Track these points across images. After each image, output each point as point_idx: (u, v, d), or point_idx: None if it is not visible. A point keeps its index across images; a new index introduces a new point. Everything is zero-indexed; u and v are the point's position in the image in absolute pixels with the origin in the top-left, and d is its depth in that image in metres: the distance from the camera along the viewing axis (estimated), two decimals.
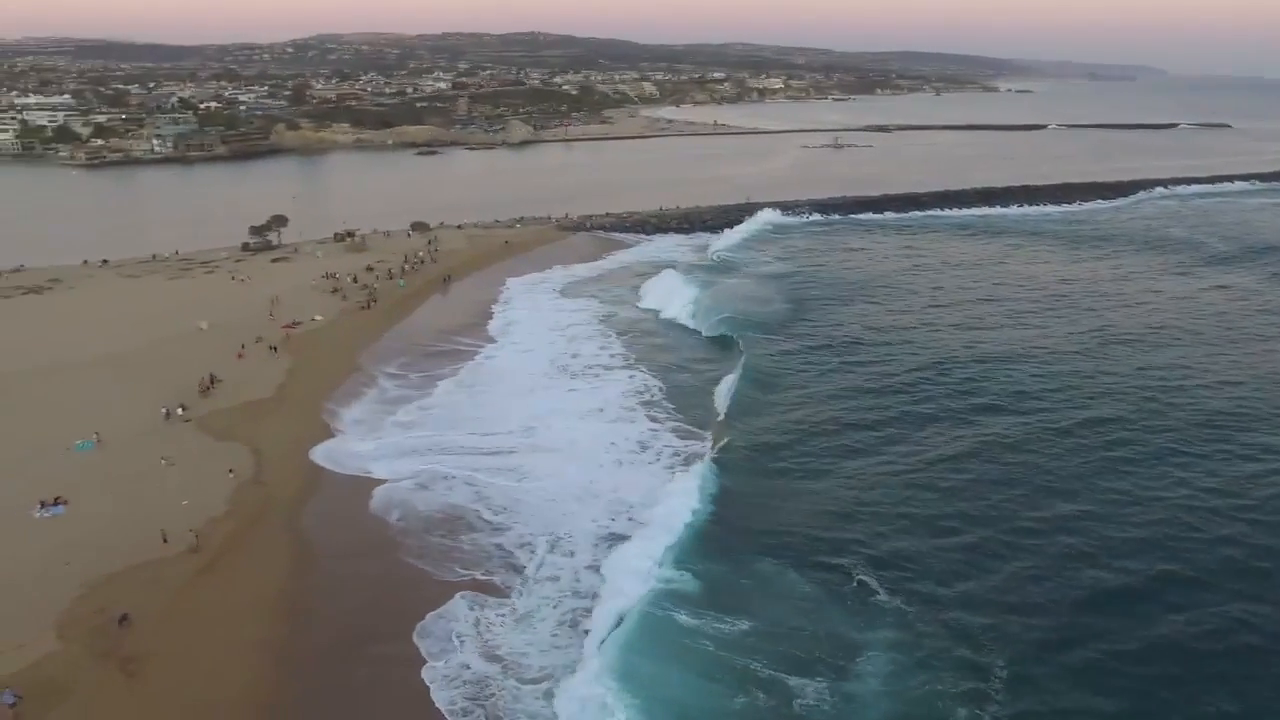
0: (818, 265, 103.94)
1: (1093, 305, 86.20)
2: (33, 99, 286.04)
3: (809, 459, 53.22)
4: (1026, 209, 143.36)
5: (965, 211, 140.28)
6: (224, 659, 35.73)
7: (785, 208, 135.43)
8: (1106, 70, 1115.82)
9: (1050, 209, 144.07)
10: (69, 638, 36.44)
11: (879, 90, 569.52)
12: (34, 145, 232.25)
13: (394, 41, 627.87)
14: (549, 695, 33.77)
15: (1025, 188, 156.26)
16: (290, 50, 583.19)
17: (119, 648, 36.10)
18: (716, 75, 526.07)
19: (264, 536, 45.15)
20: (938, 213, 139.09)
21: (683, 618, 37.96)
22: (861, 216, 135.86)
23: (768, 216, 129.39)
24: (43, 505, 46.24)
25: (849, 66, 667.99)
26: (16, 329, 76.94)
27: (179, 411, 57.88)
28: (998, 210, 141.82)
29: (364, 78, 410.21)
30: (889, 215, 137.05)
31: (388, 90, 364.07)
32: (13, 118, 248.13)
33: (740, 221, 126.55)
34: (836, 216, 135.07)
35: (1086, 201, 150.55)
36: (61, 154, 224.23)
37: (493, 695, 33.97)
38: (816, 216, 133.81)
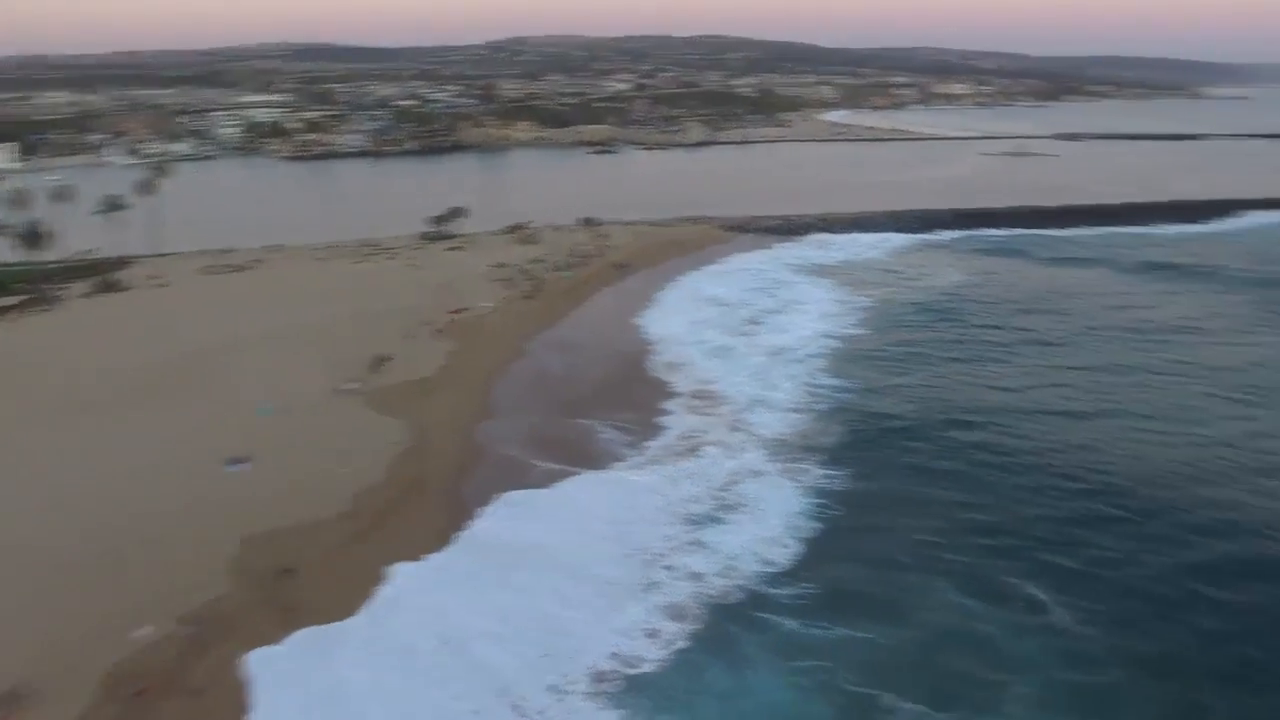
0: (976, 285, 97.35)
1: None
2: (256, 98, 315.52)
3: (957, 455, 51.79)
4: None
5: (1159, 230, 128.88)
6: None
7: (940, 218, 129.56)
8: None
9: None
10: (240, 581, 40.16)
11: (1070, 97, 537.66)
12: (253, 139, 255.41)
13: (581, 44, 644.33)
14: None
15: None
16: (484, 52, 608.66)
17: (279, 596, 39.41)
18: (899, 80, 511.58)
19: (419, 506, 47.85)
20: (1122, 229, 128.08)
21: (793, 626, 37.58)
22: (1032, 232, 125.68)
23: (913, 229, 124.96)
24: (230, 461, 50.86)
25: (1042, 72, 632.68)
26: (220, 304, 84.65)
27: (350, 385, 62.17)
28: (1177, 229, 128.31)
29: (549, 79, 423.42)
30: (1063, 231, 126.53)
31: (570, 91, 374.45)
32: (240, 116, 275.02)
33: (911, 229, 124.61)
34: (997, 231, 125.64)
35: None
36: (272, 147, 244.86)
37: None
38: (971, 232, 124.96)
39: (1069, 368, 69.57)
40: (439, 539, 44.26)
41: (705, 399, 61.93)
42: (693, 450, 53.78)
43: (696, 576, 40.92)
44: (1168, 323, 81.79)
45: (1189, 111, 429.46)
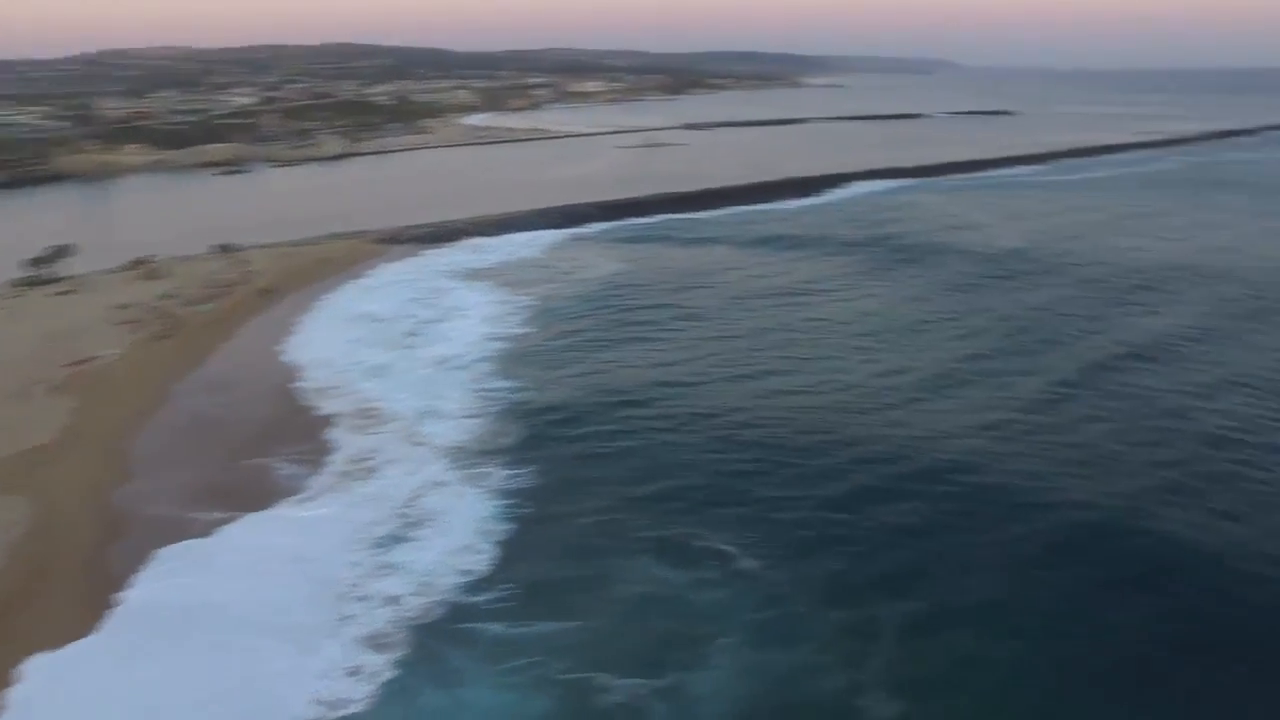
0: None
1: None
2: None
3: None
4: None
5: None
6: None
7: (586, 212, 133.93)
8: (910, 65, 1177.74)
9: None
10: None
11: (693, 90, 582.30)
12: None
13: (191, 55, 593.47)
14: None
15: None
16: (73, 67, 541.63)
17: None
18: (535, 80, 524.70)
19: (54, 590, 41.35)
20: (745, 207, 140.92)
21: (499, 629, 37.08)
22: (673, 217, 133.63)
23: (553, 227, 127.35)
24: None
25: (665, 68, 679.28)
26: None
27: None
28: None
29: (158, 95, 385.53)
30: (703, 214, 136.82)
31: (185, 108, 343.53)
32: None
33: (560, 224, 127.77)
34: (641, 220, 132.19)
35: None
36: None
37: None
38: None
39: (720, 337, 75.09)
40: (84, 621, 38.46)
41: (372, 418, 59.13)
42: (368, 472, 51.21)
43: (393, 600, 38.98)
44: (796, 286, 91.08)
45: (795, 99, 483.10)
